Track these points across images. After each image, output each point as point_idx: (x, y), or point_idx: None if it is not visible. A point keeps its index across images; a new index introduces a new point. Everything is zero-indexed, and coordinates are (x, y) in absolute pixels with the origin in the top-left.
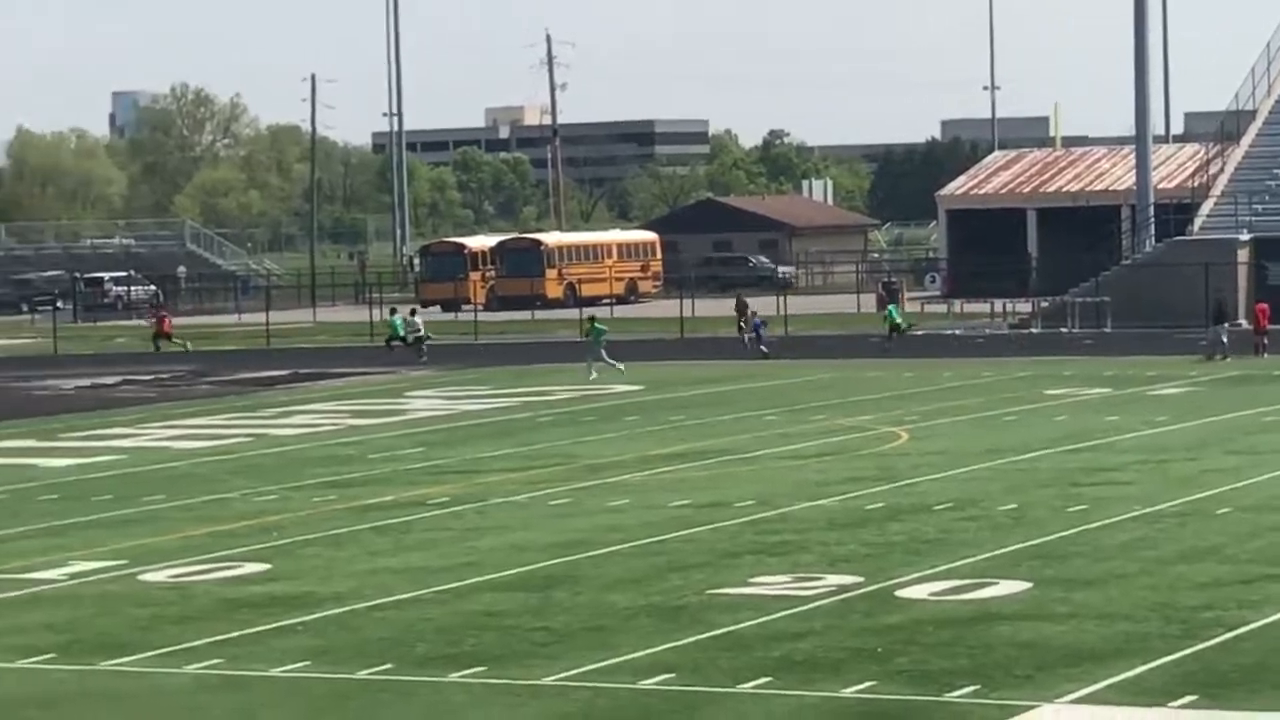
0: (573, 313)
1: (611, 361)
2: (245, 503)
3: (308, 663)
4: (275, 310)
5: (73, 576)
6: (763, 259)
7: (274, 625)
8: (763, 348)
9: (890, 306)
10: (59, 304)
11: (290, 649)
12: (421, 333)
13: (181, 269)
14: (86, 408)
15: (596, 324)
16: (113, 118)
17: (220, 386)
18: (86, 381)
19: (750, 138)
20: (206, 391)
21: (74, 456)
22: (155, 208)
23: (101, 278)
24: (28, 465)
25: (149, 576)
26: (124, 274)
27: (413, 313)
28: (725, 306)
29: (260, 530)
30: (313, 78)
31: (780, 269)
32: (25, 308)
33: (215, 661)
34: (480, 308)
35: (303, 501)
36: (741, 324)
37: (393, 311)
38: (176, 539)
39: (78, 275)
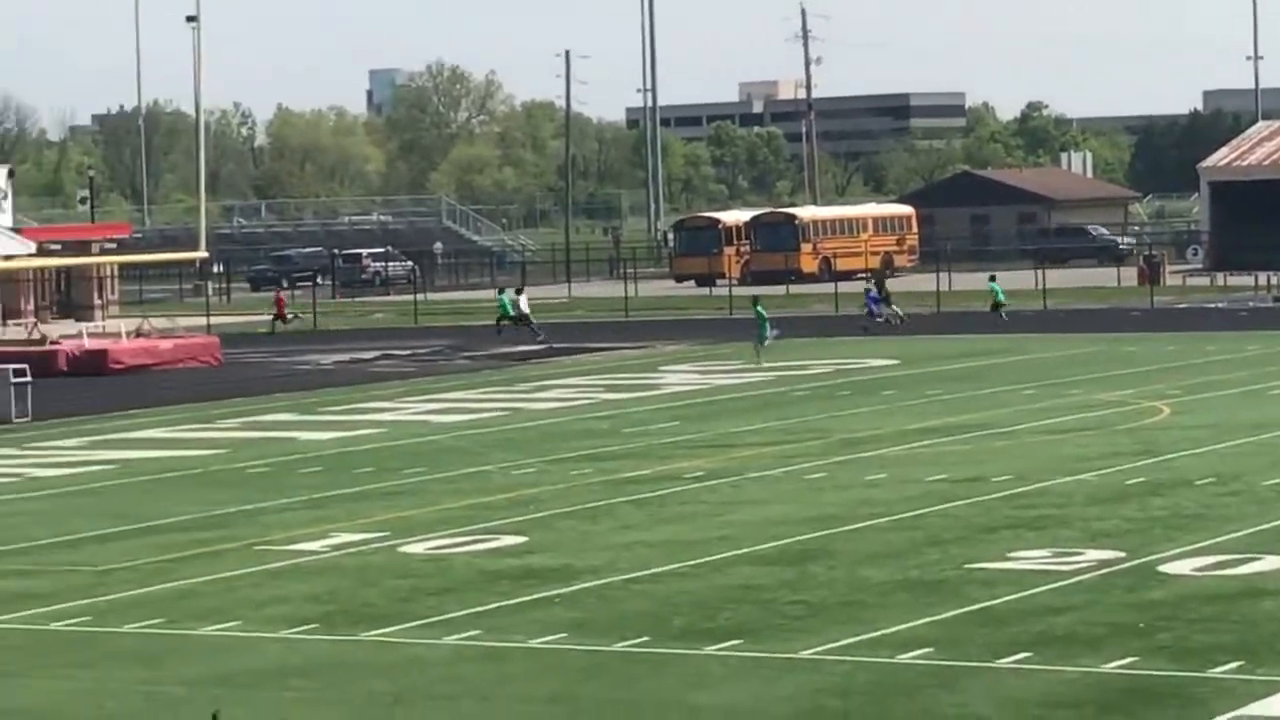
0: (828, 287)
1: (761, 346)
2: (503, 476)
3: (565, 634)
4: (530, 285)
5: (334, 548)
6: (1102, 230)
7: (531, 597)
8: (879, 319)
9: (994, 284)
10: (318, 280)
11: (547, 621)
12: (526, 313)
13: (438, 245)
14: (346, 382)
15: (759, 308)
16: (370, 95)
17: (477, 361)
18: (346, 356)
19: (1008, 110)
20: (464, 366)
21: (335, 430)
22: (412, 184)
23: (359, 254)
24: (290, 438)
25: (409, 548)
26: (381, 250)
27: (518, 292)
28: (983, 281)
29: (518, 503)
30: (567, 54)
31: (1121, 241)
32: (285, 284)
33: (473, 633)
34: (734, 282)
35: (559, 475)
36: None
37: (501, 290)
38: (436, 511)
39: (336, 252)
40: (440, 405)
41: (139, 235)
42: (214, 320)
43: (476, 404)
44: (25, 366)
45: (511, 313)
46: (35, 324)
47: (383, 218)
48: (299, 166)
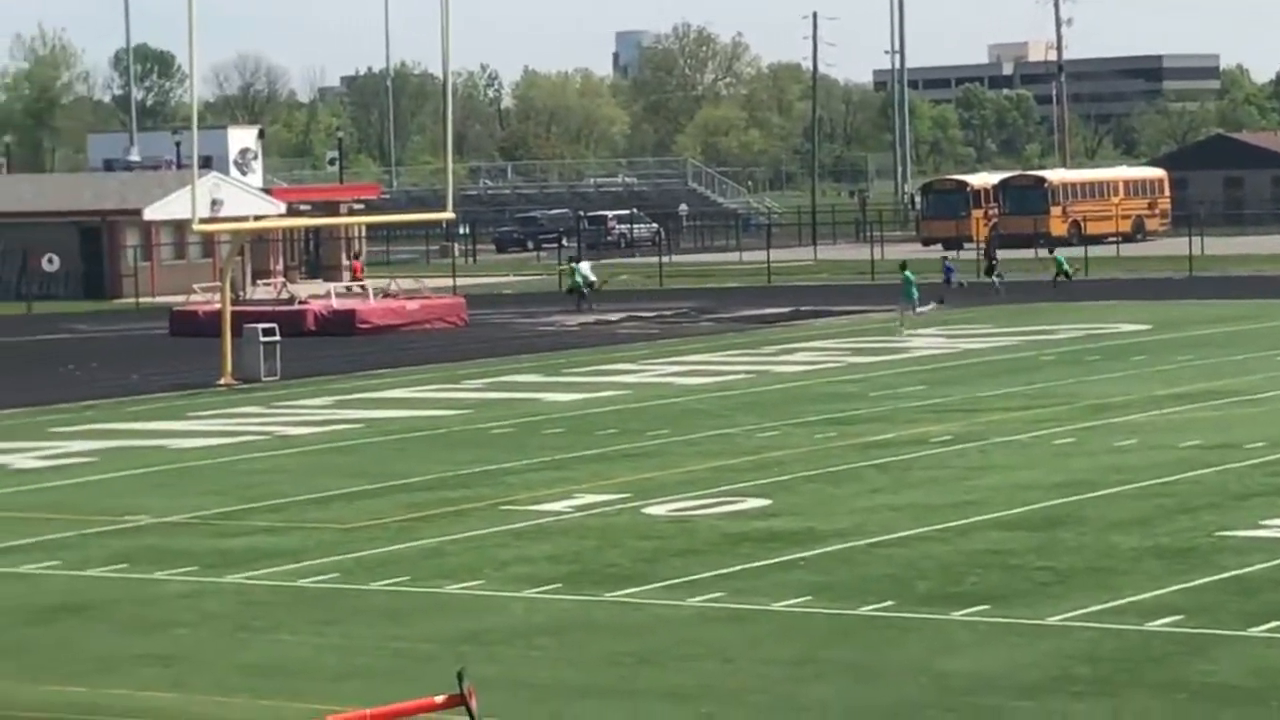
0: (1077, 251)
1: (905, 314)
2: (747, 438)
3: (809, 597)
4: (776, 248)
5: (578, 509)
6: None
7: (775, 560)
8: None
9: (1059, 256)
10: (564, 241)
11: (791, 583)
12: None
13: (683, 207)
14: (591, 344)
15: (907, 273)
16: (616, 57)
17: (721, 324)
18: (590, 318)
19: (1263, 73)
20: (708, 329)
21: (579, 391)
22: (657, 146)
23: (605, 216)
24: (534, 399)
25: (652, 510)
26: (627, 212)
27: (572, 260)
28: (1237, 245)
29: (761, 466)
30: (814, 15)
31: None
32: (531, 245)
33: (717, 594)
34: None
35: (804, 438)
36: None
37: (572, 260)
38: (679, 473)
39: (581, 213)
40: (684, 367)
41: (386, 196)
42: (459, 281)
43: (720, 366)
44: (274, 326)
45: (584, 281)
46: (284, 284)
47: (628, 180)
48: (545, 128)
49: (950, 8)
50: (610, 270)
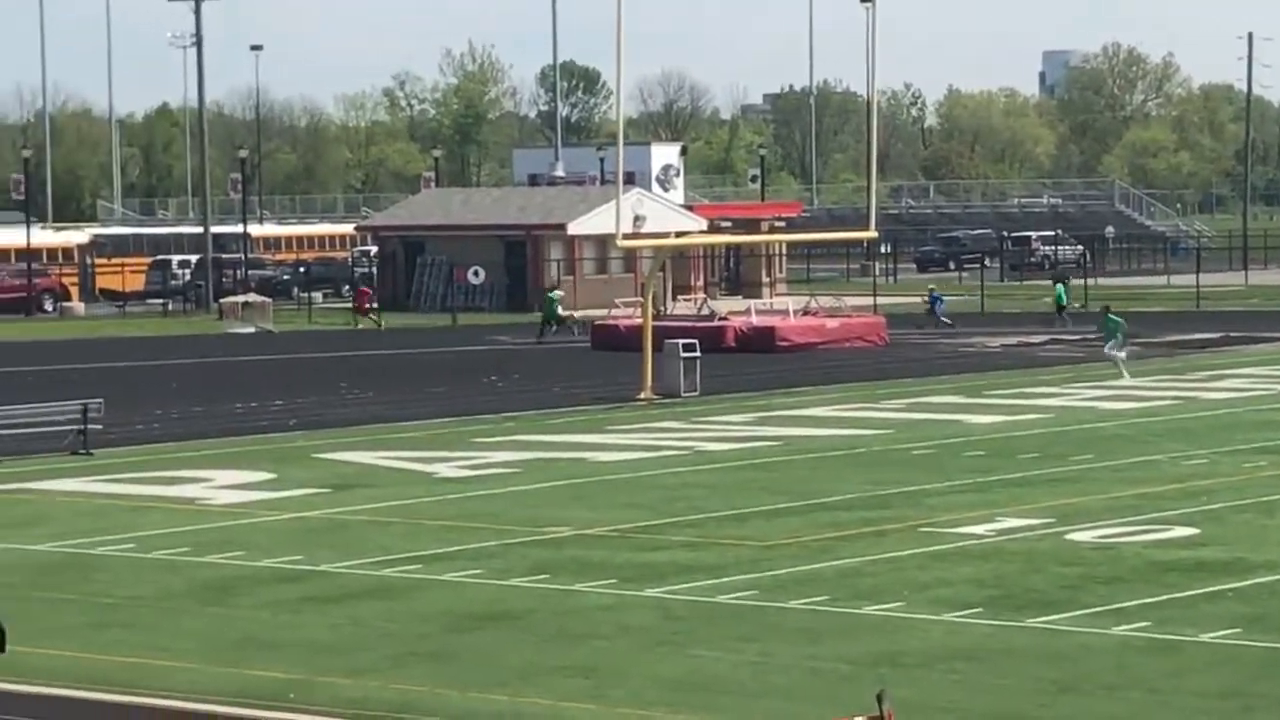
0: None
1: (1119, 356)
2: (1173, 466)
3: (1238, 629)
4: (1205, 272)
5: (999, 532)
6: None
7: (1203, 590)
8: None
9: (1059, 286)
10: (985, 262)
11: (1220, 615)
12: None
13: (1109, 229)
14: (1012, 366)
15: (1110, 316)
16: (1043, 77)
17: (1147, 348)
18: (1013, 340)
19: None
20: (1132, 353)
21: (1000, 414)
22: (1083, 167)
23: (1029, 236)
24: (954, 420)
25: (1076, 535)
26: (1051, 234)
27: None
28: None
29: (1189, 494)
30: (1249, 36)
31: None
32: (952, 265)
33: (1143, 624)
34: None
35: (1233, 466)
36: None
37: (551, 289)
38: (1104, 499)
39: (1005, 234)
40: (1109, 392)
41: (807, 214)
42: (880, 300)
43: (1146, 391)
44: (695, 341)
45: (559, 313)
46: (705, 300)
47: (1053, 201)
48: (968, 148)
49: None
50: (1033, 291)
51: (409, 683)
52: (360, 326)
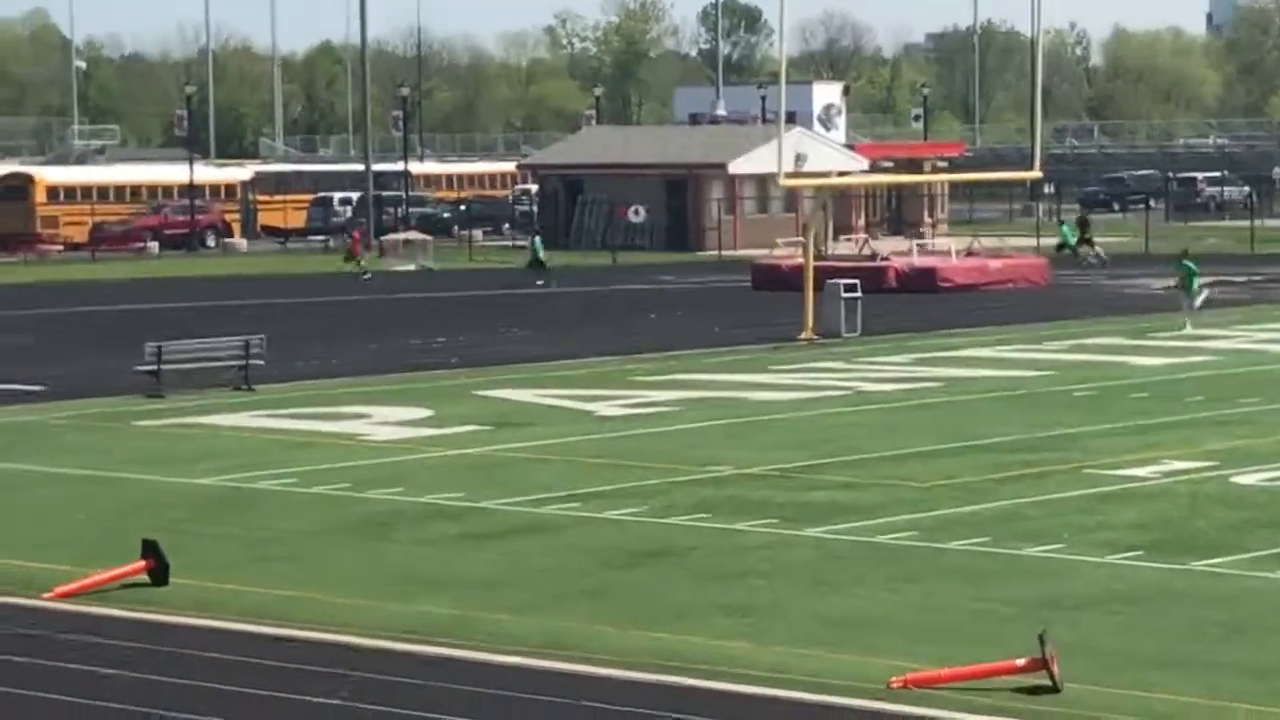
0: None
1: (1190, 309)
2: None
3: None
4: None
5: (1164, 475)
6: None
7: None
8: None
9: (1064, 226)
10: (1150, 203)
11: None
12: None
13: (1277, 170)
14: (1178, 307)
15: (1187, 262)
16: (1210, 17)
17: None
18: (1176, 281)
19: None
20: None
21: (1165, 355)
22: (1250, 108)
23: (1194, 177)
24: (1119, 362)
25: (1242, 479)
26: (1217, 174)
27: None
28: None
29: None
30: None
31: None
32: (1116, 206)
33: None
34: None
35: None
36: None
37: (536, 233)
38: (1270, 442)
39: (1170, 175)
40: (1276, 334)
41: (970, 154)
42: (1043, 241)
43: None
44: (856, 282)
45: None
46: (866, 240)
47: (1219, 141)
48: (1134, 87)
49: None
50: (1198, 232)
51: (567, 619)
52: (348, 269)
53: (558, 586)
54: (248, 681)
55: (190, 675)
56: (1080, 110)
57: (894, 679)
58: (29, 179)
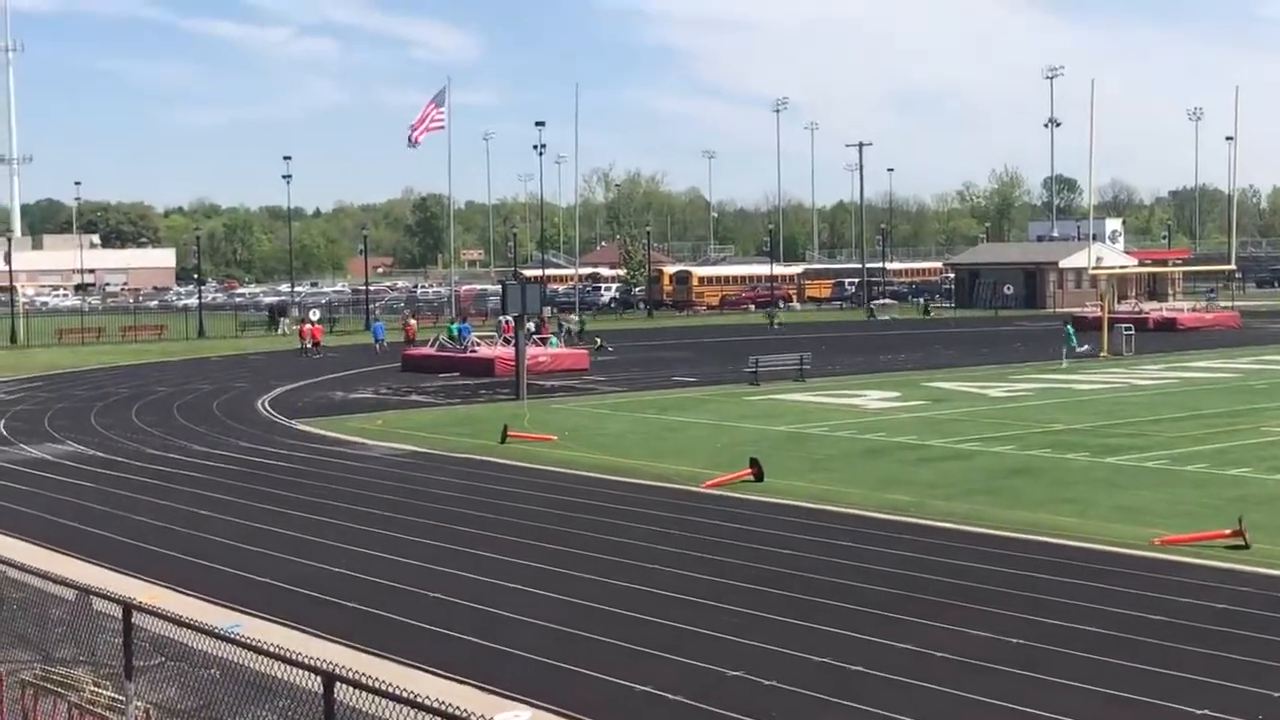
0: None
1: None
2: None
3: None
4: None
5: None
6: None
7: None
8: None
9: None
10: None
11: None
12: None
13: None
14: None
15: (1069, 326)
16: None
17: None
18: None
19: None
20: None
21: None
22: None
23: None
24: None
25: None
26: None
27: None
28: None
29: None
30: None
31: None
32: (1276, 284)
33: None
34: None
35: None
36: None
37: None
38: None
39: None
40: None
41: (1192, 256)
42: (1237, 303)
43: None
44: (1131, 324)
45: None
46: (1136, 302)
47: None
48: None
49: None
50: None
51: (976, 505)
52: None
53: (970, 486)
54: (799, 540)
55: (788, 535)
56: (1255, 231)
57: (1156, 538)
58: (689, 273)
